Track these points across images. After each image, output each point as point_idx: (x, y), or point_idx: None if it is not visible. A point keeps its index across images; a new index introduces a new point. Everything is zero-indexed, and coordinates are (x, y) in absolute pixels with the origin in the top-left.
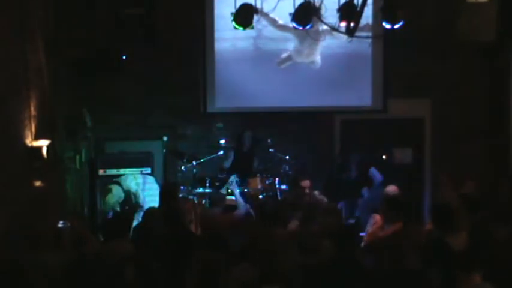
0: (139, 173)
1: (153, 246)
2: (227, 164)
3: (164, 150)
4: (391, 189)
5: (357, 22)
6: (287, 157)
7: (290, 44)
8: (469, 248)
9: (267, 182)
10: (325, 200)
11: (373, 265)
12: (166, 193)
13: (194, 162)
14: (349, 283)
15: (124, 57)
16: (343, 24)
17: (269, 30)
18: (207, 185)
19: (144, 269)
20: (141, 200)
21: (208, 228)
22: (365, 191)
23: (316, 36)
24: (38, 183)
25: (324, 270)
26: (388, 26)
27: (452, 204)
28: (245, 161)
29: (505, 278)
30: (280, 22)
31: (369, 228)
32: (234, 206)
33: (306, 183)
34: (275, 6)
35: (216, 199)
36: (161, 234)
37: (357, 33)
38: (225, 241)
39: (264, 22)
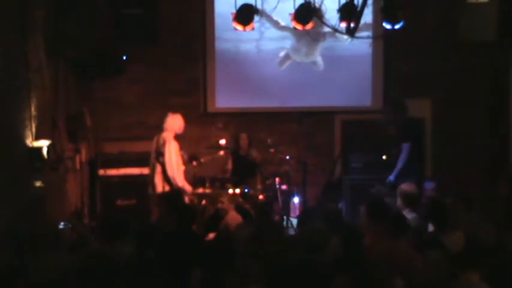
0: None
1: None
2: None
3: None
4: (407, 187)
5: (358, 22)
6: (287, 157)
7: (287, 42)
8: (466, 247)
9: (267, 182)
10: None
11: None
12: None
13: (194, 163)
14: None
15: (124, 57)
16: (343, 24)
17: (271, 32)
18: (207, 185)
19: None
20: None
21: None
22: None
23: (315, 36)
24: (38, 184)
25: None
26: (388, 26)
27: (450, 203)
28: (244, 163)
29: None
30: (283, 24)
31: None
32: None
33: None
34: (275, 7)
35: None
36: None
37: (357, 34)
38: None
39: (267, 25)
